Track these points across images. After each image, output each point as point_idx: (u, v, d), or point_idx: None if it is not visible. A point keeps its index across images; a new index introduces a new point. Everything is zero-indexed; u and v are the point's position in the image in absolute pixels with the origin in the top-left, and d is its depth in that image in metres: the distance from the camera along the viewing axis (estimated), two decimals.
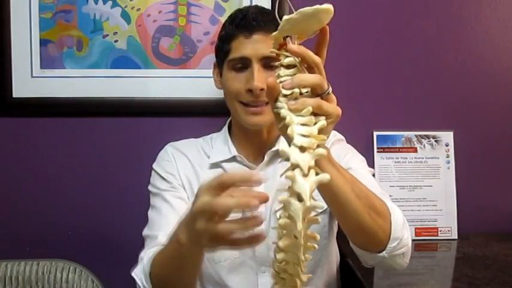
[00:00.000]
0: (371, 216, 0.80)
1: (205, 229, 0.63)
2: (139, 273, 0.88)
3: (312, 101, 0.62)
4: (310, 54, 0.65)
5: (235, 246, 0.65)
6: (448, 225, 1.39)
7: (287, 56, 0.66)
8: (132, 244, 1.01)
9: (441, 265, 1.29)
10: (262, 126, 1.04)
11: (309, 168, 0.57)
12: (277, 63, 0.68)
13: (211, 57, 1.22)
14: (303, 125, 0.60)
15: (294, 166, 0.56)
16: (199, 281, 1.05)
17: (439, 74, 1.43)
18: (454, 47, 1.43)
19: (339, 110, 0.66)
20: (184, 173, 1.08)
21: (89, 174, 1.39)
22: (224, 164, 1.09)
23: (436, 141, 1.41)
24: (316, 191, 0.59)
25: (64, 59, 1.36)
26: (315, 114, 0.62)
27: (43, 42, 1.35)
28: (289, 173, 0.56)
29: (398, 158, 1.41)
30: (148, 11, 1.37)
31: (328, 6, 0.63)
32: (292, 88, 0.63)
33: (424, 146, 1.41)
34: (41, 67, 1.36)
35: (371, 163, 1.35)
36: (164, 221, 1.00)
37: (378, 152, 1.40)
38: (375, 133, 1.41)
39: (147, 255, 0.90)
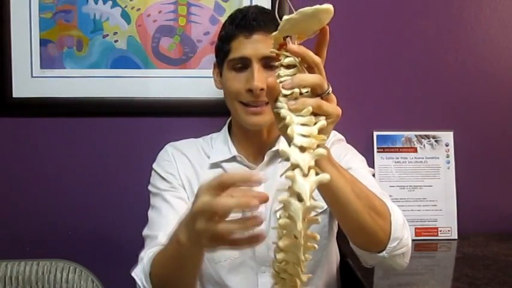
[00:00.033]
0: (371, 216, 0.80)
1: (205, 229, 0.63)
2: (139, 273, 0.88)
3: (312, 101, 0.62)
4: (310, 54, 0.65)
5: (235, 246, 0.65)
6: (448, 225, 1.39)
7: (287, 56, 0.66)
8: (132, 244, 1.01)
9: (441, 265, 1.29)
10: (262, 126, 1.04)
11: (309, 168, 0.57)
12: (277, 63, 0.68)
13: (211, 57, 1.22)
14: (303, 125, 0.60)
15: (294, 166, 0.56)
16: (199, 281, 1.05)
17: (439, 74, 1.43)
18: (454, 47, 1.43)
19: (339, 110, 0.66)
20: (184, 173, 1.08)
21: (89, 174, 1.39)
22: (224, 164, 1.09)
23: (436, 141, 1.41)
24: (316, 191, 0.59)
25: (64, 59, 1.36)
26: (315, 114, 0.62)
27: (43, 42, 1.35)
28: (289, 173, 0.56)
29: (398, 158, 1.41)
30: (148, 11, 1.37)
31: (328, 6, 0.63)
32: (292, 88, 0.63)
33: (424, 146, 1.41)
34: (41, 67, 1.36)
35: (371, 163, 1.35)
36: (164, 221, 1.00)
37: (377, 152, 1.40)
38: (375, 133, 1.41)
39: (147, 255, 0.90)
